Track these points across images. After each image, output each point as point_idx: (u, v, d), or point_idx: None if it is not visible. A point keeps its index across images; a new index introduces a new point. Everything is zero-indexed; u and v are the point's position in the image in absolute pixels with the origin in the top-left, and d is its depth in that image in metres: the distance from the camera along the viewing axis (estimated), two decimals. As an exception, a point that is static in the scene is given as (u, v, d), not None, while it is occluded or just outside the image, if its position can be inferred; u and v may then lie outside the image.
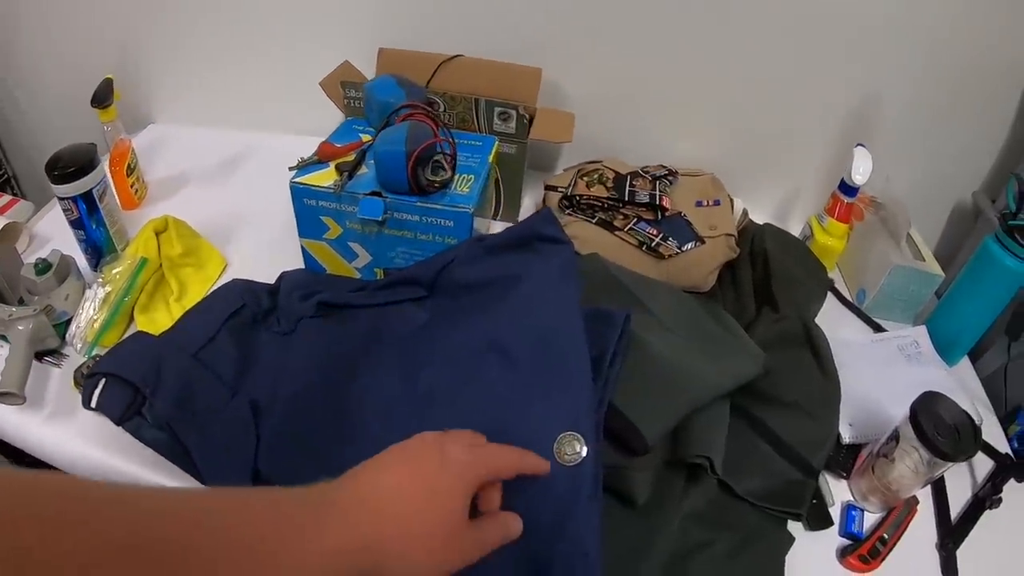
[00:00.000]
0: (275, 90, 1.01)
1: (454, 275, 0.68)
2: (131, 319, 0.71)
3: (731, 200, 0.84)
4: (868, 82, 0.88)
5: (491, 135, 0.83)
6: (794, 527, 0.59)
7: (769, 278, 0.75)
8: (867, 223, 0.87)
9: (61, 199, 0.72)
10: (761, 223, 0.85)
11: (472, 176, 0.73)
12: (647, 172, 0.86)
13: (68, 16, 0.99)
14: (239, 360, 0.62)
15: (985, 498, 0.63)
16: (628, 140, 0.96)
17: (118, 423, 0.55)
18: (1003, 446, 0.69)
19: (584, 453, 0.50)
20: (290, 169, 0.72)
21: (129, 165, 0.87)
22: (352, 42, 0.91)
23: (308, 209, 0.72)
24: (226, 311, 0.65)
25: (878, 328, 0.82)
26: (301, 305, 0.68)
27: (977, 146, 0.92)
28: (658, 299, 0.68)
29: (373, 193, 0.69)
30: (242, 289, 0.69)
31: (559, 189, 0.85)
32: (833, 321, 0.79)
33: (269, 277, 0.73)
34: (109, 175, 0.84)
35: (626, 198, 0.80)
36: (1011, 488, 0.64)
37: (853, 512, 0.60)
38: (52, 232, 0.83)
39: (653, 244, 0.77)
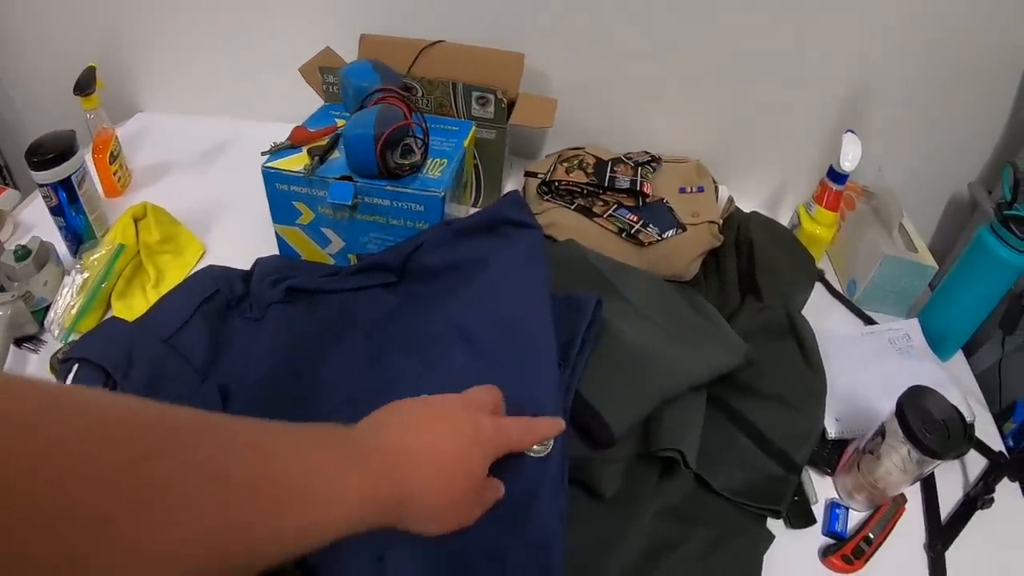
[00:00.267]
0: (261, 78, 1.01)
1: (423, 260, 0.67)
2: (108, 305, 0.71)
3: (716, 187, 0.82)
4: (863, 69, 0.86)
5: (469, 120, 0.81)
6: (775, 525, 0.56)
7: (754, 267, 0.73)
8: (859, 213, 0.84)
9: (41, 186, 0.72)
10: (748, 211, 0.83)
11: (445, 160, 0.71)
12: (630, 158, 0.84)
13: (57, 5, 0.99)
14: (210, 346, 0.62)
15: (977, 498, 0.60)
16: (614, 127, 0.94)
17: (91, 407, 0.55)
18: (997, 444, 0.67)
19: (551, 444, 0.48)
20: (263, 154, 0.71)
21: (112, 153, 0.87)
22: (336, 29, 0.91)
23: (280, 194, 0.71)
24: (200, 297, 0.65)
25: (869, 321, 0.79)
26: (271, 291, 0.68)
27: (973, 136, 0.90)
28: (635, 287, 0.67)
29: (343, 177, 0.68)
30: (217, 275, 0.68)
31: (539, 175, 0.83)
32: (823, 313, 0.77)
33: (247, 264, 0.72)
34: (91, 162, 0.84)
35: (606, 184, 0.78)
36: (1004, 488, 0.62)
37: (837, 510, 0.58)
38: (36, 220, 0.82)
39: (633, 231, 0.75)
